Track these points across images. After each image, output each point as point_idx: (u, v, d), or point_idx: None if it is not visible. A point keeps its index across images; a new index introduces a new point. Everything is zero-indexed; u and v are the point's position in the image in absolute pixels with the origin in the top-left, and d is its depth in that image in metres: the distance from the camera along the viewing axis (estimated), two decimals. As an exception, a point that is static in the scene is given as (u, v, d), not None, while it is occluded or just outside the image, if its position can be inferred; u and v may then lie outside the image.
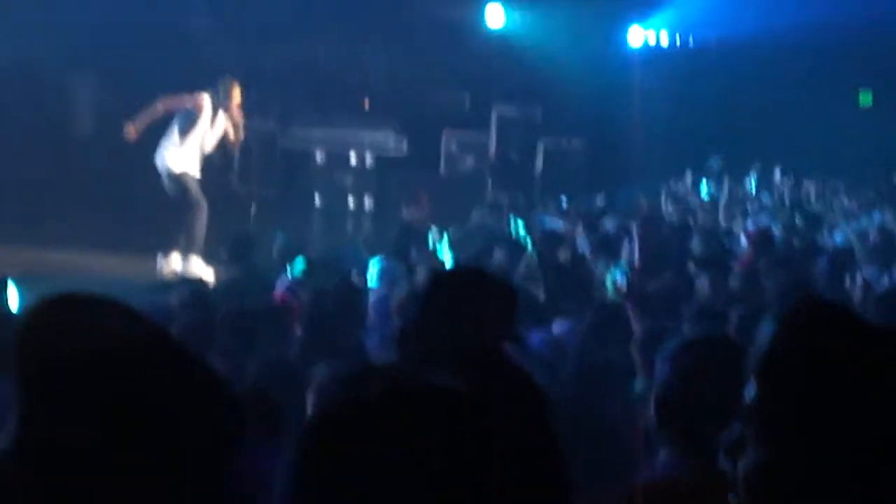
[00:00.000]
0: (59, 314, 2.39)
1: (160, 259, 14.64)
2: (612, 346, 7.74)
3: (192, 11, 22.44)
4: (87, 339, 2.32)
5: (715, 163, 22.09)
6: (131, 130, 14.77)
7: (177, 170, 14.77)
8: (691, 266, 11.17)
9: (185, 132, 14.81)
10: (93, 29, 21.17)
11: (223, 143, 15.31)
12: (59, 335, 2.34)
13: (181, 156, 14.82)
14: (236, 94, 14.97)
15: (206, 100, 14.85)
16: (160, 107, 14.94)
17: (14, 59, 21.86)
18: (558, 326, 8.49)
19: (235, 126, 15.05)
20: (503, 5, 21.58)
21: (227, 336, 7.81)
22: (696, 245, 13.09)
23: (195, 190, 14.78)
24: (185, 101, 14.91)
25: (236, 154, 16.04)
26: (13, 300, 8.97)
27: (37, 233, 16.53)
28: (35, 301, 2.48)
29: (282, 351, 7.89)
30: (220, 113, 14.94)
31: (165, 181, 14.89)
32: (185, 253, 14.61)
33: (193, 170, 14.85)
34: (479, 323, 3.87)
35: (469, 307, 3.88)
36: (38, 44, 22.29)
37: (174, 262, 14.58)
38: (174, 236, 14.78)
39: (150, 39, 20.62)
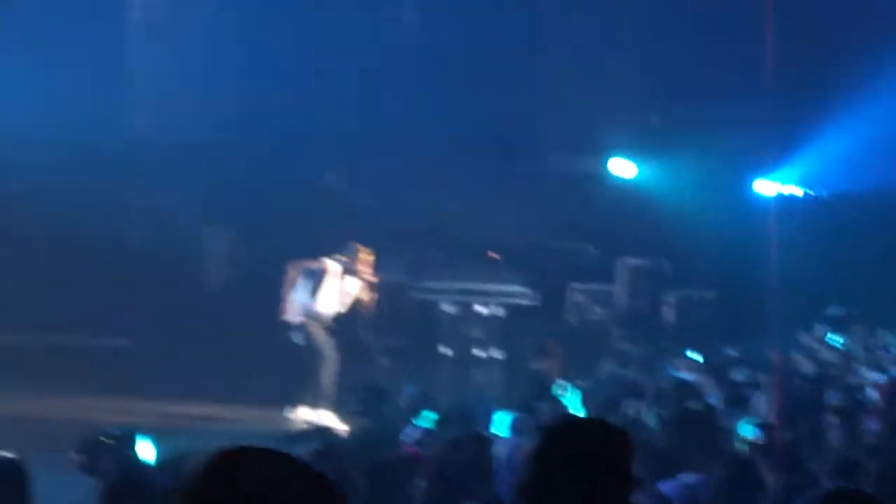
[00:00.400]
0: (235, 467, 2.38)
1: (288, 410, 14.71)
2: (744, 499, 7.60)
3: (325, 167, 22.83)
4: (268, 491, 2.31)
5: (837, 311, 21.71)
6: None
7: (305, 320, 14.97)
8: (826, 418, 10.97)
9: (313, 287, 15.08)
10: (227, 186, 21.64)
11: (355, 303, 15.56)
12: (239, 488, 2.33)
13: (309, 307, 15.00)
14: (364, 258, 15.32)
15: (330, 264, 15.20)
16: (292, 273, 15.25)
17: (150, 213, 22.38)
18: (687, 478, 8.34)
19: (366, 287, 15.42)
20: (630, 158, 21.62)
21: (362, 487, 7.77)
22: (830, 396, 12.85)
23: (321, 341, 14.89)
24: (312, 263, 15.23)
25: (367, 311, 16.16)
26: (148, 453, 9.03)
27: (169, 385, 16.74)
28: (207, 454, 2.46)
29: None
30: (349, 277, 15.31)
31: (294, 332, 15.06)
32: (313, 404, 14.68)
33: (321, 321, 15.07)
34: (596, 473, 3.79)
35: (584, 456, 3.81)
36: (174, 199, 22.82)
37: (303, 413, 14.64)
38: (303, 387, 14.86)
39: (283, 195, 21.02)
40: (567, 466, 3.79)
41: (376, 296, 15.73)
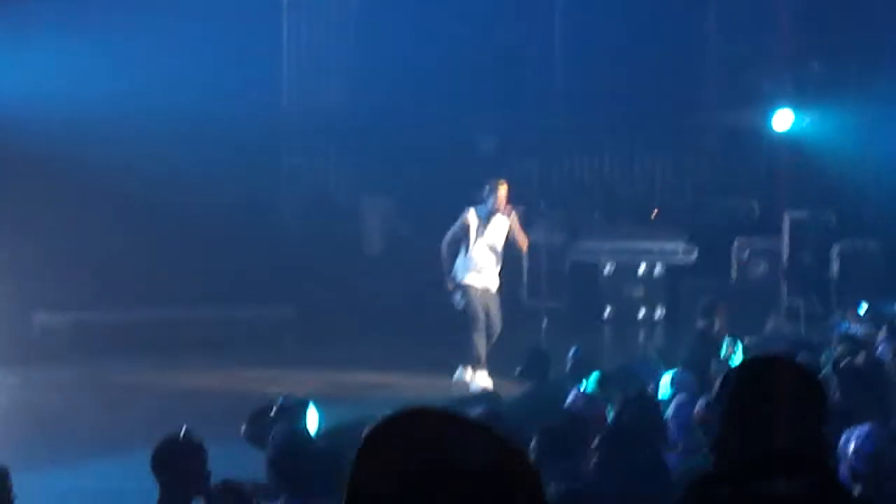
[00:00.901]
0: (411, 426, 2.32)
1: (454, 375, 14.73)
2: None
3: (477, 132, 22.82)
4: (448, 454, 2.24)
5: None
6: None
7: (462, 283, 14.90)
8: None
9: (464, 247, 14.94)
10: (381, 154, 21.74)
11: (511, 246, 15.27)
12: (418, 450, 2.27)
13: (463, 269, 14.92)
14: (502, 193, 14.88)
15: (470, 213, 14.93)
16: (444, 250, 15.15)
17: (310, 187, 22.61)
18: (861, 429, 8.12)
19: (513, 226, 15.02)
20: (791, 108, 21.23)
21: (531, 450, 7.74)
22: None
23: (474, 304, 14.81)
24: (457, 229, 15.06)
25: (524, 251, 15.90)
26: (312, 422, 9.10)
27: (332, 354, 16.91)
28: (381, 418, 2.40)
29: (576, 465, 7.77)
30: (494, 217, 14.92)
31: (455, 296, 15.02)
32: (473, 367, 14.65)
33: (476, 282, 14.90)
34: (793, 418, 3.63)
35: (781, 399, 3.65)
36: (329, 169, 23.01)
37: (468, 378, 14.64)
38: (466, 352, 14.84)
39: (437, 161, 21.07)
40: (757, 409, 3.64)
41: (521, 232, 15.19)
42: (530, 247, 21.69)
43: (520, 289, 21.66)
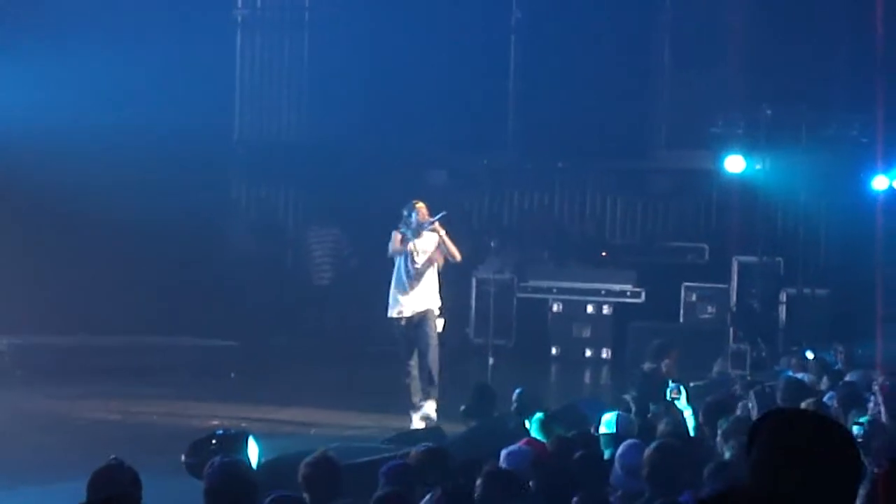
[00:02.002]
0: None
1: (397, 411, 14.48)
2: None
3: (427, 166, 22.81)
4: None
5: None
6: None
7: (391, 316, 14.56)
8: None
9: (395, 271, 14.61)
10: (331, 186, 21.69)
11: (447, 261, 14.71)
12: None
13: (392, 297, 14.59)
14: (422, 208, 14.50)
15: (396, 236, 14.57)
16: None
17: (259, 216, 22.54)
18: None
19: (441, 238, 14.46)
20: (743, 153, 21.29)
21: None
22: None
23: (399, 342, 14.53)
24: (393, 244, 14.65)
25: (458, 260, 15.20)
26: (253, 455, 9.01)
27: (275, 387, 16.79)
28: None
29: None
30: (421, 235, 14.48)
31: (396, 329, 14.66)
32: (416, 404, 14.37)
33: (404, 310, 14.49)
34: (830, 484, 3.41)
35: (814, 457, 3.43)
36: (282, 202, 22.94)
37: (414, 414, 14.37)
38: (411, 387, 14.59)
39: (387, 194, 20.99)
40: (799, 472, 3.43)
41: (450, 242, 14.51)
42: (479, 283, 21.77)
43: (467, 325, 21.62)
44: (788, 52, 21.96)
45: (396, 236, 14.57)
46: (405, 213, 14.58)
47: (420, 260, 14.51)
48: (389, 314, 14.60)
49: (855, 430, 10.23)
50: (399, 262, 14.60)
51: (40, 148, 17.22)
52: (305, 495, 7.59)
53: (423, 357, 14.36)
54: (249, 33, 22.92)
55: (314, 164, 22.23)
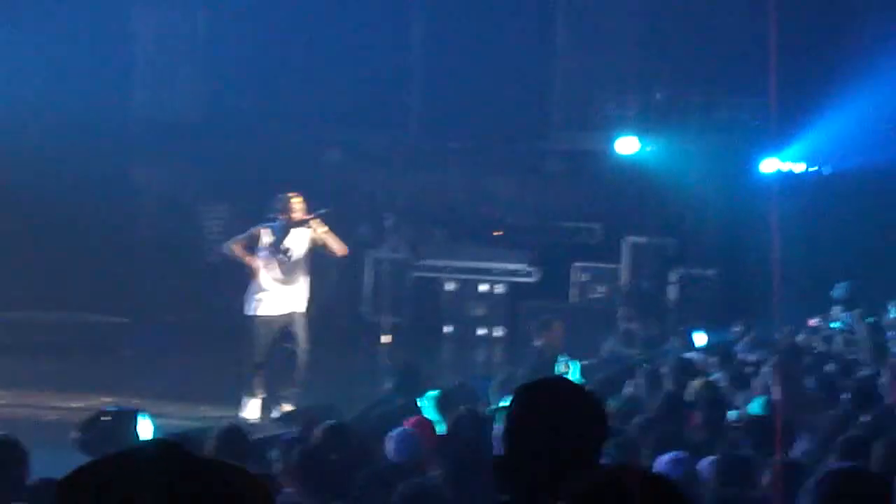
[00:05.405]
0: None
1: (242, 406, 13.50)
2: (743, 480, 7.58)
3: (323, 143, 22.79)
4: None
5: (840, 291, 21.55)
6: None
7: (249, 314, 13.57)
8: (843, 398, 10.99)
9: (258, 277, 13.55)
10: (227, 163, 21.59)
11: (322, 255, 13.91)
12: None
13: (252, 295, 13.55)
14: (297, 203, 13.46)
15: (261, 229, 13.53)
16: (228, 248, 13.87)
17: (155, 191, 22.43)
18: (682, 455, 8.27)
19: (320, 234, 13.49)
20: (635, 135, 21.55)
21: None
22: (833, 374, 12.83)
23: (256, 338, 13.51)
24: (242, 236, 13.73)
25: (344, 254, 13.94)
26: (145, 432, 9.01)
27: (166, 365, 16.73)
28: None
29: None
30: (292, 231, 13.44)
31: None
32: (247, 398, 13.42)
33: (269, 310, 13.48)
34: (566, 436, 3.62)
35: (552, 419, 3.64)
36: (176, 178, 22.81)
37: (245, 411, 13.40)
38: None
39: (282, 172, 20.93)
40: (534, 430, 3.64)
41: (332, 237, 13.57)
42: (375, 262, 21.80)
43: (361, 304, 21.68)
44: (681, 36, 22.23)
45: (259, 231, 13.53)
46: (278, 204, 13.56)
47: (284, 259, 13.49)
48: (248, 312, 13.55)
49: (757, 407, 10.47)
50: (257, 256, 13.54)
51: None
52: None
53: (298, 359, 13.44)
54: (145, 8, 22.70)
55: (209, 141, 22.11)
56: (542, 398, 3.67)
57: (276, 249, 13.46)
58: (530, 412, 3.62)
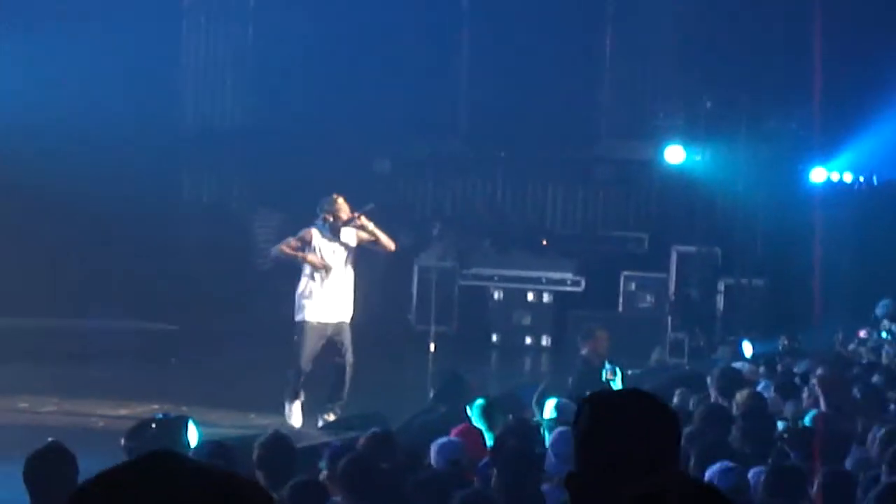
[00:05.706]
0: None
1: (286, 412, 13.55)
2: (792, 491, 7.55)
3: (371, 152, 22.84)
4: None
5: (883, 309, 21.32)
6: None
7: (300, 320, 13.55)
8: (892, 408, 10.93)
9: (306, 275, 13.63)
10: (276, 172, 21.68)
11: (371, 252, 14.11)
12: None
13: (305, 301, 13.57)
14: (342, 203, 13.54)
15: (311, 231, 13.57)
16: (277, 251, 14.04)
17: (205, 200, 22.53)
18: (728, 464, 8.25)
19: (370, 232, 13.59)
20: (683, 144, 21.49)
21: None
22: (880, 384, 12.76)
23: (305, 345, 13.48)
24: (294, 239, 13.76)
25: (393, 249, 14.08)
26: (193, 439, 9.06)
27: (216, 372, 16.79)
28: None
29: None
30: (341, 232, 13.51)
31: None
32: (290, 402, 13.43)
33: (320, 317, 13.50)
34: (643, 447, 3.61)
35: (628, 430, 3.63)
36: (225, 187, 22.92)
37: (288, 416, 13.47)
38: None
39: (332, 181, 20.97)
40: (610, 442, 3.63)
41: (379, 232, 13.63)
42: (421, 270, 21.83)
43: (409, 312, 21.70)
44: (729, 45, 22.16)
45: (310, 232, 13.58)
46: (324, 207, 13.58)
47: (335, 264, 13.54)
48: (300, 318, 13.56)
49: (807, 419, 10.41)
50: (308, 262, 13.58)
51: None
52: (259, 475, 7.64)
53: (343, 370, 13.50)
54: (195, 20, 22.86)
55: (260, 150, 22.23)
56: (616, 410, 3.65)
57: (327, 251, 13.53)
58: (604, 425, 3.60)
